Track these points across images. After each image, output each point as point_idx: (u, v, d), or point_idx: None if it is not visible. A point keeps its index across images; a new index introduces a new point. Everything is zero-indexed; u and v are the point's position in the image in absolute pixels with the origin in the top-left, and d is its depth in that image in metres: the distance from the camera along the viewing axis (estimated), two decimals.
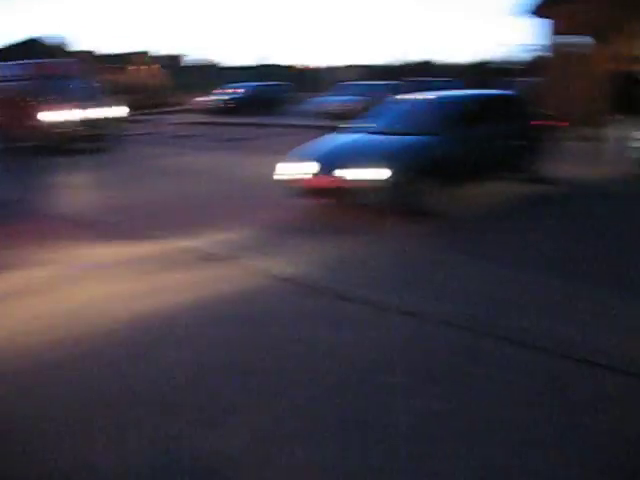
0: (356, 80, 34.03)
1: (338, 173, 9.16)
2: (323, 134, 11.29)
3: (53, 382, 4.47)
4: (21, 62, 23.05)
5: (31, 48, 45.15)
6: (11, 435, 3.87)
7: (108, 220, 9.78)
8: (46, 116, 19.52)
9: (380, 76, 34.49)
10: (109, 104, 21.47)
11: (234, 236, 8.53)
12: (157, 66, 48.49)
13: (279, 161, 10.08)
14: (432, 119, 10.24)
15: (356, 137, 10.48)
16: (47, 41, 49.78)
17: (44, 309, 5.94)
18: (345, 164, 9.28)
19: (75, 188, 14.02)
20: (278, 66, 60.90)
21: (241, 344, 5.04)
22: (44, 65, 22.37)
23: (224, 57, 79.17)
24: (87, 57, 37.60)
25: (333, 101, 28.55)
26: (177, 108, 40.38)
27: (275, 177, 9.95)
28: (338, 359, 4.69)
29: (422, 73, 34.66)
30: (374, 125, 10.72)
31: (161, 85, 45.77)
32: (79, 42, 50.63)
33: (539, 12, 20.81)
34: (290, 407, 4.02)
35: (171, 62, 51.94)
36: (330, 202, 9.92)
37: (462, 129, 10.04)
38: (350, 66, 51.59)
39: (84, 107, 20.30)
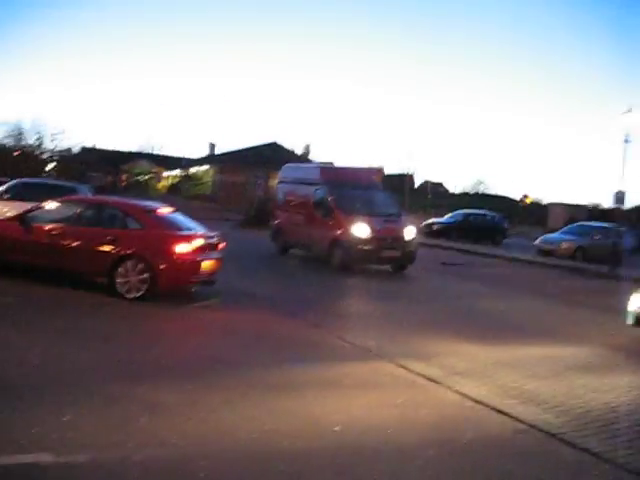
0: (581, 220, 33.38)
1: None
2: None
3: None
4: (313, 165, 21.93)
5: (274, 151, 49.28)
6: None
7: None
8: (348, 230, 17.19)
9: (600, 218, 33.69)
10: (408, 221, 19.06)
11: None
12: None
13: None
14: None
15: None
16: (289, 146, 53.99)
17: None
18: None
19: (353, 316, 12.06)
20: (500, 197, 61.12)
21: None
22: (341, 170, 20.49)
23: (446, 181, 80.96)
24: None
25: (560, 239, 28.09)
26: None
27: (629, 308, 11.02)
28: None
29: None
30: None
31: None
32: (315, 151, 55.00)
33: None
34: None
35: (401, 181, 53.70)
36: None
37: None
38: (573, 205, 50.60)
39: (390, 223, 18.07)
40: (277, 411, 6.16)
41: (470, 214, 36.65)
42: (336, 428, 5.85)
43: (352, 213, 17.52)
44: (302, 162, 36.52)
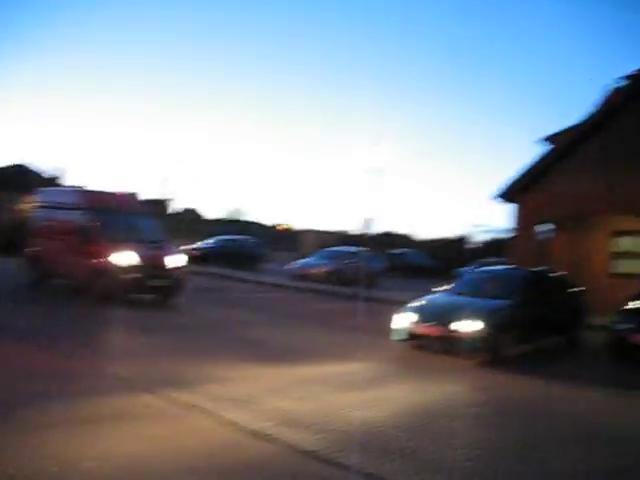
0: (332, 245, 34.98)
1: (449, 325, 11.61)
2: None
3: None
4: (74, 189, 20.14)
5: (20, 174, 46.24)
6: None
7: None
8: (112, 257, 16.12)
9: (350, 243, 35.63)
10: (175, 249, 18.44)
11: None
12: None
13: None
14: (506, 286, 13.13)
15: (451, 296, 13.25)
16: (37, 169, 50.85)
17: None
18: (450, 318, 11.69)
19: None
20: (256, 223, 62.29)
21: None
22: (100, 195, 18.48)
23: (202, 207, 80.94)
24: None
25: (314, 264, 29.38)
26: None
27: (393, 326, 12.31)
28: None
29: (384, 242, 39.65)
30: (461, 289, 13.63)
31: None
32: (69, 175, 51.54)
33: (509, 198, 22.46)
34: None
35: (157, 207, 52.65)
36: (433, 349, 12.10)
37: (528, 296, 12.95)
38: (325, 231, 53.24)
39: (155, 250, 17.16)
40: (21, 453, 5.71)
41: (229, 240, 36.93)
42: (89, 464, 5.56)
43: (115, 240, 16.42)
44: (51, 186, 34.25)
